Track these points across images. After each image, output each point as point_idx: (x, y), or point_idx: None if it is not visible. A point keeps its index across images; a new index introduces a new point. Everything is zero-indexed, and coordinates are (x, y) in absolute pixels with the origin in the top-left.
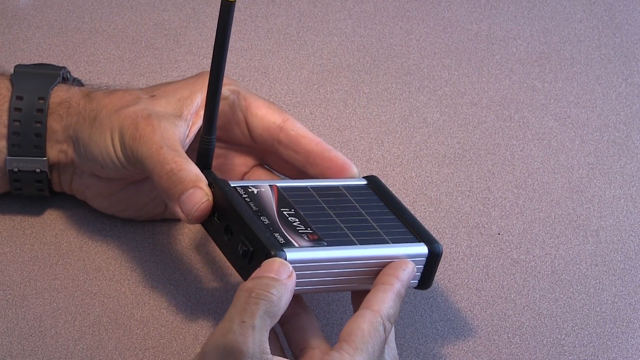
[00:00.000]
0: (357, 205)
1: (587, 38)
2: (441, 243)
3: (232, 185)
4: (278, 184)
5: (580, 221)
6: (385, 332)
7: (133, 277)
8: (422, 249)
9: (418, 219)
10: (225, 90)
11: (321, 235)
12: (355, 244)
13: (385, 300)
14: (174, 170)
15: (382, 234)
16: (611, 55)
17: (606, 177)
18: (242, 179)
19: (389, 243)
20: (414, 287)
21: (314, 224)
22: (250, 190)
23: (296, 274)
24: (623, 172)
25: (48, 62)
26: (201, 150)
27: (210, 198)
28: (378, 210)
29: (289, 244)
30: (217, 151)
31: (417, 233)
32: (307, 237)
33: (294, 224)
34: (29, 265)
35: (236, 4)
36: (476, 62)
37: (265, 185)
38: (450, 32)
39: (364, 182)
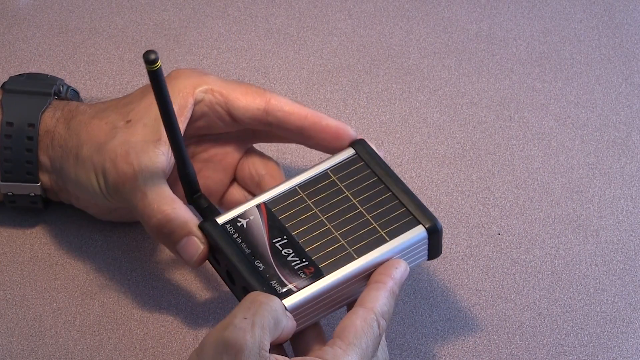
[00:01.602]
0: (349, 194)
1: (587, 38)
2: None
3: (219, 222)
4: (266, 199)
5: (580, 221)
6: (379, 328)
7: (133, 277)
8: (420, 232)
9: (411, 189)
10: (199, 93)
11: (317, 260)
12: (354, 258)
13: (378, 298)
14: (162, 223)
15: (379, 228)
16: (611, 55)
17: (606, 177)
18: (236, 166)
19: (387, 241)
20: (426, 260)
21: (309, 245)
22: (239, 224)
23: (302, 314)
24: (623, 172)
25: (48, 62)
26: (183, 183)
27: (205, 243)
28: (371, 191)
29: (287, 293)
30: (205, 145)
31: (413, 211)
32: (304, 272)
33: (289, 258)
34: (29, 265)
35: (161, 69)
36: (476, 62)
37: (253, 209)
38: (450, 32)
39: (352, 152)
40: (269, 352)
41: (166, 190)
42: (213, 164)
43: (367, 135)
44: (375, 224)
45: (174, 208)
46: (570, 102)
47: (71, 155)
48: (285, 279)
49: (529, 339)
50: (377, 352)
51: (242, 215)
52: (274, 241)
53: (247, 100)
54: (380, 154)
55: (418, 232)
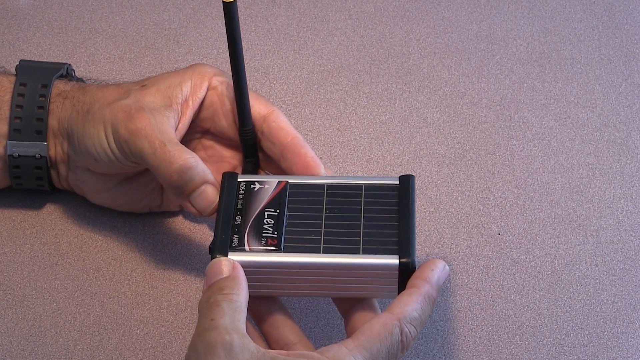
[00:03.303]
0: (362, 209)
1: (587, 38)
2: (437, 248)
3: (239, 180)
4: (291, 180)
5: (580, 221)
6: (402, 335)
7: (133, 277)
8: (392, 262)
9: (416, 227)
10: (215, 80)
11: (287, 239)
12: (317, 252)
13: (408, 303)
14: (184, 169)
15: (361, 243)
16: (611, 55)
17: (606, 177)
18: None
19: (358, 253)
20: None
21: (292, 226)
22: (252, 186)
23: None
24: (623, 172)
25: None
26: (242, 142)
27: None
28: (382, 215)
29: (239, 250)
30: (207, 142)
31: (401, 243)
32: (267, 241)
33: (265, 226)
34: (29, 265)
35: (236, 3)
36: (476, 62)
37: (273, 182)
38: (450, 32)
39: (396, 182)
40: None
41: (180, 144)
42: (209, 165)
43: (367, 135)
44: (361, 237)
45: (194, 157)
46: (570, 102)
47: (82, 112)
48: (247, 239)
49: (529, 339)
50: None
51: (260, 182)
52: (266, 209)
53: (253, 103)
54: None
55: (389, 261)
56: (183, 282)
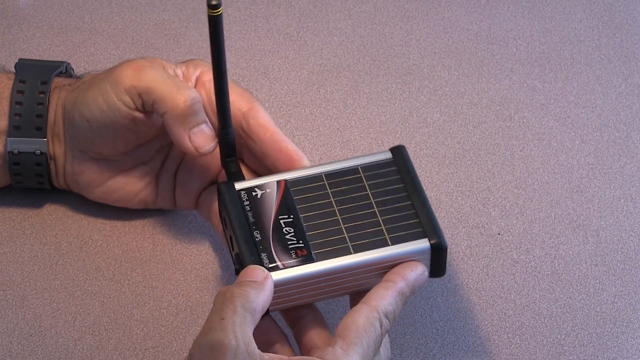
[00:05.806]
0: (370, 194)
1: (587, 38)
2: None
3: (237, 188)
4: (288, 177)
5: (580, 221)
6: (382, 327)
7: (133, 277)
8: (423, 245)
9: (431, 204)
10: (205, 77)
11: (314, 246)
12: (349, 253)
13: (384, 297)
14: (196, 100)
15: (385, 232)
16: (611, 55)
17: (606, 177)
18: (219, 172)
19: (388, 245)
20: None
21: (311, 230)
22: (254, 193)
23: (282, 293)
24: (623, 172)
25: None
26: (221, 144)
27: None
28: (392, 197)
29: (273, 268)
30: None
31: (424, 224)
32: (296, 253)
33: (287, 236)
34: (29, 265)
35: (222, 15)
36: (476, 62)
37: (272, 183)
38: (450, 32)
39: (389, 156)
40: (258, 349)
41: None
42: (196, 166)
43: (367, 135)
44: (383, 227)
45: (199, 95)
46: (570, 102)
47: (83, 87)
48: (276, 255)
49: (529, 339)
50: (379, 350)
51: (260, 187)
52: (279, 217)
53: (235, 99)
54: (416, 163)
55: (421, 245)
56: (183, 282)
